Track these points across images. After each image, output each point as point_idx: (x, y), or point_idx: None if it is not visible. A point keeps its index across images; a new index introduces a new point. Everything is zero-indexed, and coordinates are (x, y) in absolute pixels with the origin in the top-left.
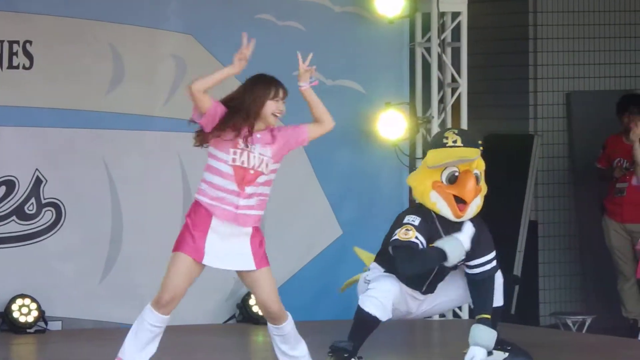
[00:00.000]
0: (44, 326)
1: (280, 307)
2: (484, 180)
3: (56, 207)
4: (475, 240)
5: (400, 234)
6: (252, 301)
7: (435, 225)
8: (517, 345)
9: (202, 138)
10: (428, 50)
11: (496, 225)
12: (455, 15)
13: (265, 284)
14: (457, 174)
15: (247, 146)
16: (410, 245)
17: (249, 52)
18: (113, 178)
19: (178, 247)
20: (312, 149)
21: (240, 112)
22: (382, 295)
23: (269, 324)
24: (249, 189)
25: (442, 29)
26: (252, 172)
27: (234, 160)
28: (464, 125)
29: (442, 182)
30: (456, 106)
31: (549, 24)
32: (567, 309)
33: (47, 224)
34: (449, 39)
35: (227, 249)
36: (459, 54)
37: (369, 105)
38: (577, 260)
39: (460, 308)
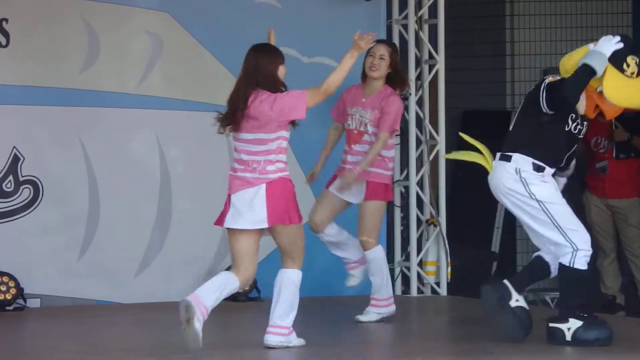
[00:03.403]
0: (23, 303)
1: None
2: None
3: (34, 184)
4: None
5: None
6: None
7: None
8: (595, 315)
9: None
10: (405, 27)
11: (474, 201)
12: None
13: None
14: None
15: None
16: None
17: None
18: (89, 155)
19: (300, 217)
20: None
21: None
22: (587, 247)
23: None
24: None
25: (419, 6)
26: None
27: None
28: (442, 102)
29: (596, 90)
30: (434, 83)
31: (525, 1)
32: (545, 286)
33: (25, 202)
34: (426, 16)
35: None
36: (436, 31)
37: (347, 82)
38: None
39: (438, 284)
